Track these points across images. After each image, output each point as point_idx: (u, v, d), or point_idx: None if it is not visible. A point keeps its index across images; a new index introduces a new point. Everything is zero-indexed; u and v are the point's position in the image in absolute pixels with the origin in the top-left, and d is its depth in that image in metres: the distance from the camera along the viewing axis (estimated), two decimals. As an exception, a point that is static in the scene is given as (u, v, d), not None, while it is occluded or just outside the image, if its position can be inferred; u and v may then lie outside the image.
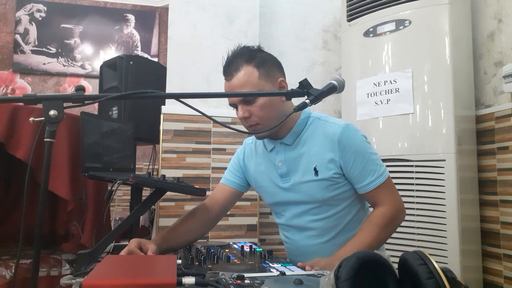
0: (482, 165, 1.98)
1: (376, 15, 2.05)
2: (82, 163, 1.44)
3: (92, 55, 3.99)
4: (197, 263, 1.04)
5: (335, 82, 1.05)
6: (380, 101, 2.00)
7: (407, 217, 1.27)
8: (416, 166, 1.87)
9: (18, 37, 3.82)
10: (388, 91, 1.97)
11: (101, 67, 2.30)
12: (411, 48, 1.93)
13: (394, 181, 1.27)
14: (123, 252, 1.04)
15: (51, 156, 0.82)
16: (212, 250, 1.20)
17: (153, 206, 2.17)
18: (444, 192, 1.80)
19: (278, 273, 0.89)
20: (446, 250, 1.77)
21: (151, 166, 2.35)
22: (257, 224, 2.10)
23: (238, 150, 1.44)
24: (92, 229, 1.83)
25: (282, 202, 1.29)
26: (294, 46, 2.53)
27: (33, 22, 3.86)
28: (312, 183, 1.20)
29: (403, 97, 1.92)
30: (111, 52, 3.99)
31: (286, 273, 0.88)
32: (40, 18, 3.89)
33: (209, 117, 1.00)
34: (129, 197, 1.97)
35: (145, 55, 4.05)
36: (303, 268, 0.97)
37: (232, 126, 1.00)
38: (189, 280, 0.69)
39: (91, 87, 3.90)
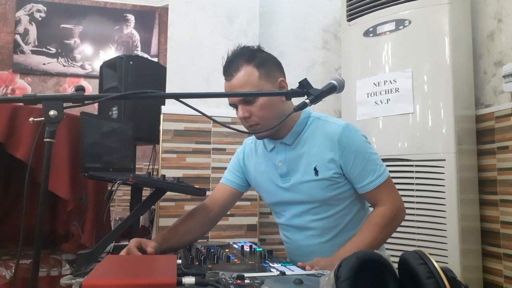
0: (482, 164, 1.98)
1: (376, 15, 2.05)
2: (82, 163, 1.44)
3: (92, 55, 3.99)
4: (197, 263, 1.04)
5: (335, 82, 1.05)
6: (380, 101, 2.00)
7: (407, 217, 1.27)
8: (416, 166, 1.87)
9: (18, 37, 3.82)
10: (388, 91, 1.97)
11: (101, 67, 2.30)
12: (411, 48, 1.93)
13: (394, 181, 1.27)
14: (123, 252, 1.04)
15: (51, 156, 0.82)
16: (212, 250, 1.20)
17: (153, 206, 2.17)
18: (444, 192, 1.80)
19: (278, 273, 0.89)
20: (446, 250, 1.77)
21: (151, 166, 2.35)
22: (257, 224, 2.10)
23: (238, 150, 1.44)
24: (92, 229, 1.83)
25: (282, 202, 1.29)
26: (294, 46, 2.53)
27: (33, 22, 3.86)
28: (312, 183, 1.20)
29: (403, 97, 1.92)
30: (111, 52, 4.00)
31: (286, 273, 0.88)
32: (40, 18, 3.89)
33: (209, 117, 1.00)
34: (129, 197, 1.97)
35: (145, 55, 4.05)
36: (303, 268, 0.97)
37: (232, 126, 1.00)
38: (189, 280, 0.69)
39: (91, 87, 3.90)
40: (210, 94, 1.24)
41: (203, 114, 0.99)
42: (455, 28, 1.89)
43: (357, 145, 1.18)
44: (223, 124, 1.01)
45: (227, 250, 1.23)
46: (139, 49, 4.09)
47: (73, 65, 3.93)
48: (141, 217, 2.16)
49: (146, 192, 1.62)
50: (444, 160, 1.81)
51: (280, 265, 1.01)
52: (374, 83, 2.02)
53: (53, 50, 3.90)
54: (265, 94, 1.16)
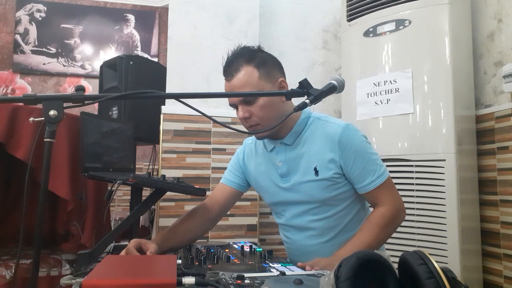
0: (482, 165, 1.98)
1: (376, 15, 2.05)
2: (82, 163, 1.44)
3: (92, 55, 3.99)
4: (197, 263, 1.04)
5: (335, 82, 1.05)
6: (380, 101, 2.00)
7: (407, 217, 1.27)
8: (416, 166, 1.87)
9: (18, 37, 3.82)
10: (388, 91, 1.97)
11: (101, 67, 2.30)
12: (411, 48, 1.93)
13: (394, 181, 1.27)
14: (123, 252, 1.04)
15: (51, 156, 0.82)
16: (212, 250, 1.20)
17: (153, 206, 2.17)
18: (444, 192, 1.80)
19: (278, 273, 0.89)
20: (446, 250, 1.77)
21: (151, 166, 2.35)
22: (257, 224, 2.10)
23: (238, 150, 1.44)
24: (92, 229, 1.83)
25: (282, 202, 1.29)
26: (294, 46, 2.53)
27: (33, 22, 3.86)
28: (312, 183, 1.20)
29: (403, 97, 1.92)
30: (111, 52, 4.00)
31: (286, 273, 0.88)
32: (40, 18, 3.89)
33: (209, 117, 1.00)
34: (129, 197, 1.97)
35: (145, 55, 4.05)
36: (303, 268, 0.97)
37: (232, 126, 1.00)
38: (189, 280, 0.69)
39: (91, 87, 3.90)
40: (210, 94, 1.24)
41: (203, 114, 0.99)
42: (455, 28, 1.89)
43: (357, 145, 1.18)
44: (223, 124, 1.01)
45: (227, 250, 1.23)
46: (139, 49, 4.09)
47: (73, 65, 3.93)
48: (141, 217, 2.17)
49: (146, 192, 1.62)
50: (444, 160, 1.81)
51: (280, 265, 1.01)
52: (374, 83, 2.02)
53: (53, 50, 3.90)
54: (265, 94, 1.16)
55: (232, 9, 2.22)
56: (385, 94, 1.98)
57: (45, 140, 0.81)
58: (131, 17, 4.09)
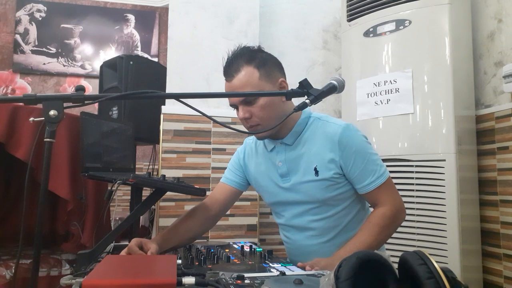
0: (482, 165, 1.98)
1: (376, 15, 2.05)
2: (82, 163, 1.44)
3: (92, 55, 3.99)
4: (197, 263, 1.04)
5: (335, 82, 1.05)
6: (380, 101, 2.00)
7: (407, 217, 1.27)
8: (416, 166, 1.87)
9: (18, 37, 3.82)
10: (388, 91, 1.97)
11: (101, 67, 2.30)
12: (411, 48, 1.93)
13: (394, 181, 1.27)
14: (123, 252, 1.04)
15: (51, 156, 0.82)
16: (212, 250, 1.20)
17: (153, 206, 2.17)
18: (444, 192, 1.80)
19: (278, 273, 0.89)
20: (446, 250, 1.77)
21: (151, 166, 2.35)
22: (257, 224, 2.10)
23: (239, 149, 1.44)
24: (92, 229, 1.83)
25: (282, 202, 1.29)
26: (294, 46, 2.53)
27: (33, 22, 3.86)
28: (313, 183, 1.20)
29: (403, 97, 1.92)
30: (111, 52, 4.00)
31: (286, 273, 0.88)
32: (40, 18, 3.89)
33: (209, 117, 1.00)
34: (129, 197, 1.97)
35: (145, 55, 4.05)
36: (303, 268, 0.97)
37: (232, 126, 1.00)
38: (189, 280, 0.69)
39: (91, 87, 3.90)
40: (210, 94, 1.24)
41: (203, 114, 0.99)
42: (455, 28, 1.89)
43: (358, 145, 1.18)
44: (223, 124, 1.01)
45: (227, 250, 1.23)
46: (139, 49, 4.09)
47: (73, 65, 3.93)
48: (141, 217, 2.16)
49: (146, 192, 1.62)
50: (444, 160, 1.81)
51: (280, 265, 1.01)
52: (374, 83, 2.02)
53: (53, 50, 3.90)
54: (266, 94, 1.16)
55: (232, 9, 2.22)
56: (385, 94, 1.98)
57: (45, 140, 0.81)
58: (131, 17, 4.09)
